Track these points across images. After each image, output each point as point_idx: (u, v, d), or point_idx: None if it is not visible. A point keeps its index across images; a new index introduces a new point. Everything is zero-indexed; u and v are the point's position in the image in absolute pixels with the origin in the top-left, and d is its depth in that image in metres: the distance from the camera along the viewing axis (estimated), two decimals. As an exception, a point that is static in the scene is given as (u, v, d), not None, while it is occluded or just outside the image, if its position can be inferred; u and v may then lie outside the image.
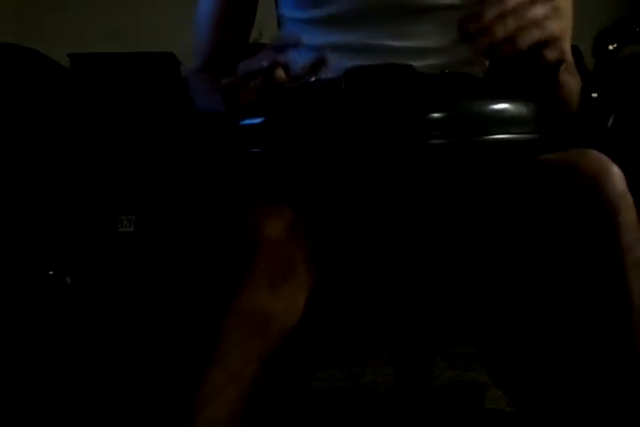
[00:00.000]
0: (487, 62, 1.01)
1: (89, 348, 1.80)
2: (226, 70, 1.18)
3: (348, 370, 1.98)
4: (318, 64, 0.81)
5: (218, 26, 1.17)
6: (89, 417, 1.52)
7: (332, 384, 1.89)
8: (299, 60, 1.13)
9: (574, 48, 1.12)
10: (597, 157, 0.80)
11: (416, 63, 0.83)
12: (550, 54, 0.77)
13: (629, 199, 0.78)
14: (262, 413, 0.81)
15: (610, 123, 1.14)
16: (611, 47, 2.15)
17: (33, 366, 1.73)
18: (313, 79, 0.82)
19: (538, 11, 0.75)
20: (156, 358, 0.84)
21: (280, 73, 0.81)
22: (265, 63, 0.81)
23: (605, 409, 0.78)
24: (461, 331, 1.01)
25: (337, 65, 0.88)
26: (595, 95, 1.63)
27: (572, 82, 0.97)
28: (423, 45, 1.05)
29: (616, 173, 0.78)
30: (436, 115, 0.73)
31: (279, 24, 1.18)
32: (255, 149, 0.79)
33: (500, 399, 1.59)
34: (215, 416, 0.75)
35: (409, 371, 1.24)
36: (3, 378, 1.65)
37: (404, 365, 1.25)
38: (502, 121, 0.77)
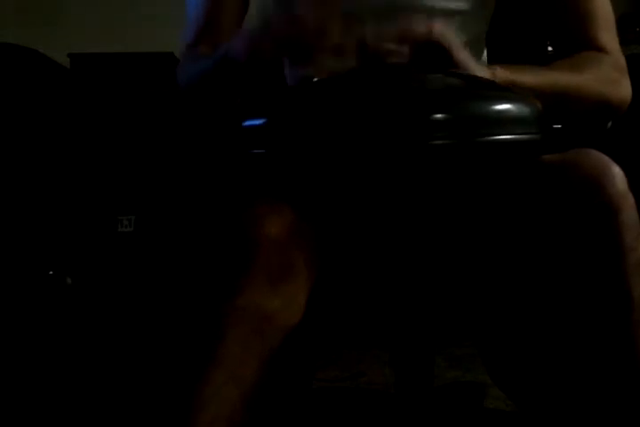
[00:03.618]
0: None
1: (89, 347, 1.80)
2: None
3: (348, 370, 1.97)
4: None
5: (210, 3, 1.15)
6: (89, 417, 1.52)
7: (332, 384, 1.89)
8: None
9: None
10: (598, 157, 0.80)
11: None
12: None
13: (630, 199, 0.78)
14: (263, 412, 0.81)
15: (610, 123, 1.14)
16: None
17: (33, 366, 1.73)
18: (315, 79, 0.82)
19: None
20: (157, 358, 0.83)
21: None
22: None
23: (605, 409, 0.78)
24: (461, 331, 1.01)
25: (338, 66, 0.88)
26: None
27: (569, 79, 0.99)
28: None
29: (617, 172, 0.78)
30: (438, 115, 0.74)
31: None
32: (257, 150, 0.79)
33: (500, 399, 1.60)
34: (216, 416, 0.75)
35: (409, 371, 1.24)
36: (3, 378, 1.65)
37: (403, 365, 1.25)
38: (504, 121, 0.77)
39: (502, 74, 0.90)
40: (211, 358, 0.75)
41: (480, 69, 0.87)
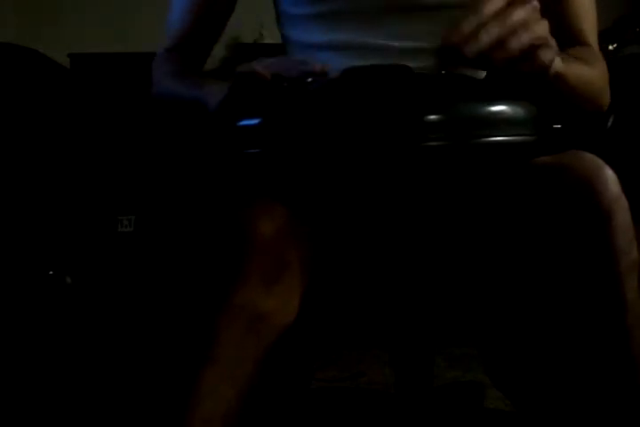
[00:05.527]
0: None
1: (88, 347, 1.80)
2: (195, 56, 1.17)
3: (347, 370, 1.97)
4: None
5: (191, 12, 1.14)
6: (87, 416, 1.52)
7: (331, 384, 1.89)
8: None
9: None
10: (592, 160, 0.79)
11: (415, 64, 0.83)
12: (544, 55, 0.77)
13: (624, 202, 0.78)
14: (260, 412, 0.81)
15: (609, 123, 1.14)
16: (611, 47, 2.14)
17: (33, 366, 1.73)
18: (310, 79, 0.82)
19: (520, 14, 0.75)
20: (153, 357, 0.84)
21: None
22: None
23: (603, 410, 0.78)
24: (461, 331, 1.01)
25: (335, 64, 0.88)
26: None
27: (582, 70, 0.95)
28: (423, 46, 1.05)
29: (610, 175, 0.78)
30: (432, 116, 0.74)
31: (278, 22, 1.18)
32: (252, 150, 0.79)
33: (500, 399, 1.60)
34: (211, 415, 0.75)
35: (409, 371, 1.24)
36: (3, 378, 1.65)
37: (403, 365, 1.25)
38: (498, 123, 0.77)
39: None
40: (206, 357, 0.76)
41: None
